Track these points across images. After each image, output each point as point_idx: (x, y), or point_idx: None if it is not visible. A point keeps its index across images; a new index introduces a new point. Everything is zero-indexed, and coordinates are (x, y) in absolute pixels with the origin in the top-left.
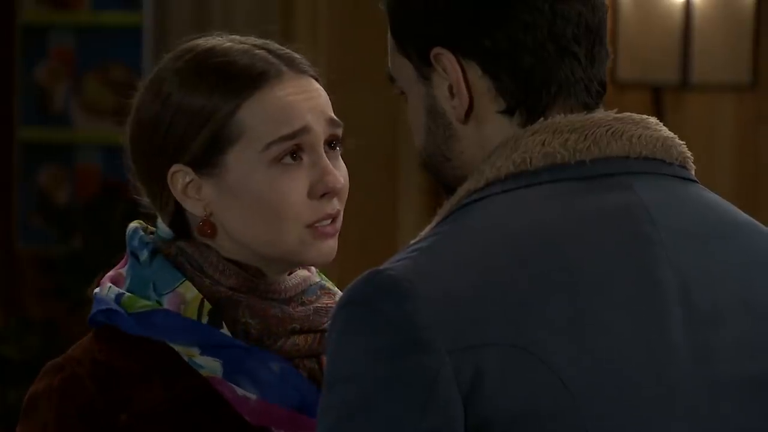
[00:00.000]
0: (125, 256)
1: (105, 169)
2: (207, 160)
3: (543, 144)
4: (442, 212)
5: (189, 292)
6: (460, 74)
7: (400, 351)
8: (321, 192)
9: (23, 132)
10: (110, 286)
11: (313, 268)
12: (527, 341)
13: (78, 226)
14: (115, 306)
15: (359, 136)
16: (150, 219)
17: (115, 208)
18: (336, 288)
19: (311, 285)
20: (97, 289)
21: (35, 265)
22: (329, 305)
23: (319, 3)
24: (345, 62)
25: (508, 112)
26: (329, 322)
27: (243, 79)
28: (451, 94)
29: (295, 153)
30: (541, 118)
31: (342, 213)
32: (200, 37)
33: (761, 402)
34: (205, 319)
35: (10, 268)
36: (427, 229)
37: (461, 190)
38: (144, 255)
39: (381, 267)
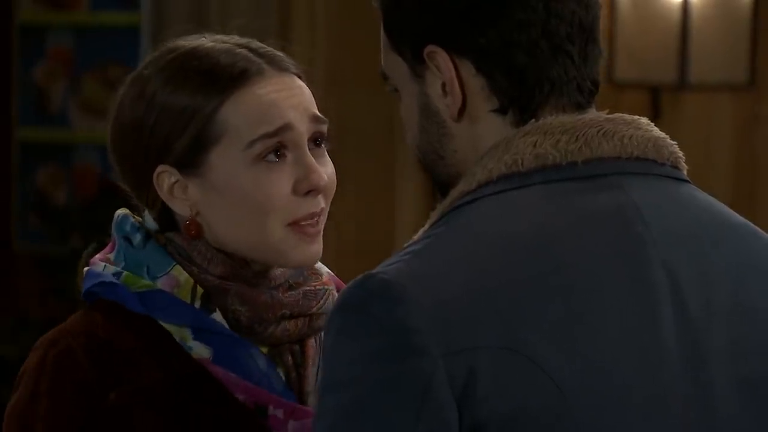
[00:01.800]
0: (110, 244)
1: (103, 168)
2: (191, 160)
3: (534, 145)
4: (434, 214)
5: (182, 275)
6: (454, 72)
7: (393, 355)
8: (305, 190)
9: (21, 132)
10: (105, 265)
11: None
12: (519, 343)
13: (76, 225)
14: (112, 279)
15: (356, 137)
16: (138, 211)
17: (113, 208)
18: (324, 268)
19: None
20: (88, 267)
21: (33, 264)
22: (317, 287)
23: (316, 4)
24: (342, 63)
25: (501, 110)
26: (324, 326)
27: (224, 78)
28: (444, 93)
29: (279, 151)
30: (533, 119)
31: (327, 211)
32: (183, 38)
33: (754, 403)
34: (198, 303)
35: (8, 267)
36: (421, 231)
37: (454, 192)
38: (137, 239)
39: (374, 271)
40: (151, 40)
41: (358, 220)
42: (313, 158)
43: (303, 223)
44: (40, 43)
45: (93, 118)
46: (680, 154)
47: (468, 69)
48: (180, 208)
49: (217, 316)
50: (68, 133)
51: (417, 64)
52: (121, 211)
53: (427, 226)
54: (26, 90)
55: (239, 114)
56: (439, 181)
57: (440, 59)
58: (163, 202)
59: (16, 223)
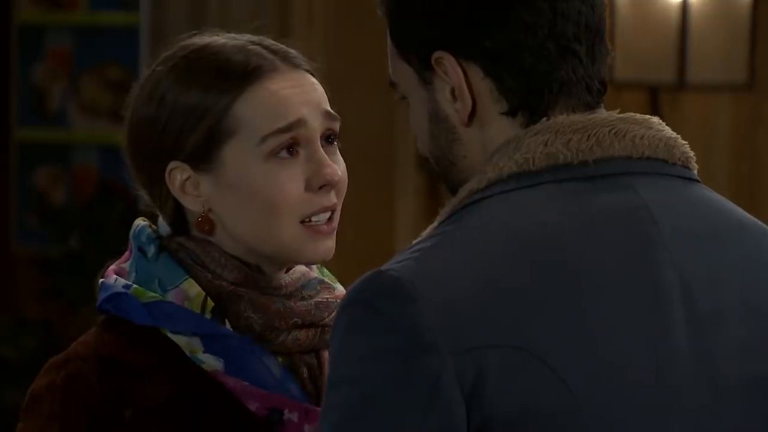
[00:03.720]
0: (127, 252)
1: (102, 169)
2: (204, 156)
3: (545, 144)
4: (444, 212)
5: (192, 288)
6: (462, 77)
7: (402, 352)
8: (318, 185)
9: (20, 132)
10: (116, 278)
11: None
12: (529, 342)
13: (75, 226)
14: (122, 289)
15: (356, 137)
16: (151, 218)
17: (112, 208)
18: (337, 283)
19: (310, 280)
20: (102, 279)
21: (32, 265)
22: (329, 299)
23: (315, 4)
24: (341, 63)
25: (511, 113)
26: (333, 322)
27: (237, 75)
28: (454, 97)
29: (292, 147)
30: (544, 118)
31: (339, 209)
32: (195, 35)
33: (764, 402)
34: (208, 316)
35: (6, 268)
36: (430, 228)
37: (463, 191)
38: (151, 251)
39: (383, 267)
40: (150, 40)
41: (357, 220)
42: (325, 154)
43: (315, 219)
44: (39, 44)
45: (92, 118)
46: (691, 154)
47: (476, 73)
48: (192, 204)
49: (228, 327)
50: (67, 134)
51: (425, 70)
52: (140, 221)
53: (436, 224)
54: (25, 90)
55: (253, 109)
56: (452, 187)
57: (448, 64)
58: (174, 203)
59: (14, 223)
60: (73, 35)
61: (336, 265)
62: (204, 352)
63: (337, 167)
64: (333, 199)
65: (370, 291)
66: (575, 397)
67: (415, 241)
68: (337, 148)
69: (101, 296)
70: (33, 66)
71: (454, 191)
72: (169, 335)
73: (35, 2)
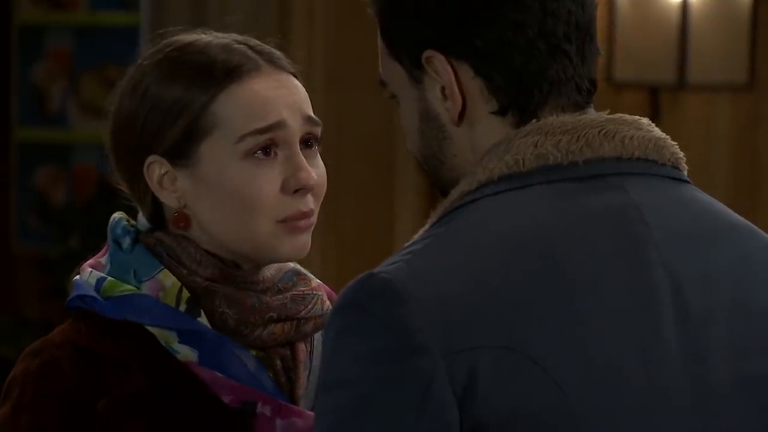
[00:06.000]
0: (105, 246)
1: (102, 168)
2: (182, 151)
3: (535, 145)
4: (435, 214)
5: (168, 279)
6: (452, 76)
7: (394, 354)
8: (293, 188)
9: (20, 132)
10: (91, 271)
11: None
12: (520, 343)
13: (75, 226)
14: (92, 292)
15: (356, 137)
16: (131, 213)
17: (112, 208)
18: (311, 274)
19: (286, 272)
20: (77, 276)
21: (32, 265)
22: (305, 292)
23: (315, 5)
24: (341, 63)
25: (501, 112)
26: (324, 326)
27: (220, 73)
28: (444, 96)
29: (269, 148)
30: (534, 119)
31: (317, 212)
32: (182, 33)
33: (754, 402)
34: (183, 307)
35: (7, 268)
36: (421, 231)
37: (454, 192)
38: (126, 242)
39: (375, 270)
40: (150, 40)
41: (357, 220)
42: (303, 157)
43: (292, 220)
44: (40, 44)
45: (92, 118)
46: (681, 154)
47: (466, 72)
48: (168, 199)
49: (203, 320)
50: (67, 134)
51: (415, 69)
52: (116, 215)
53: (427, 226)
54: (25, 90)
55: (232, 107)
56: (442, 186)
57: (438, 63)
58: (153, 198)
59: (15, 223)
60: (73, 35)
61: (336, 265)
62: (179, 342)
63: (315, 171)
64: (309, 204)
65: (361, 293)
66: (567, 397)
67: (406, 244)
68: (317, 152)
69: (71, 295)
70: (33, 66)
71: (443, 190)
72: (145, 325)
73: (35, 2)
